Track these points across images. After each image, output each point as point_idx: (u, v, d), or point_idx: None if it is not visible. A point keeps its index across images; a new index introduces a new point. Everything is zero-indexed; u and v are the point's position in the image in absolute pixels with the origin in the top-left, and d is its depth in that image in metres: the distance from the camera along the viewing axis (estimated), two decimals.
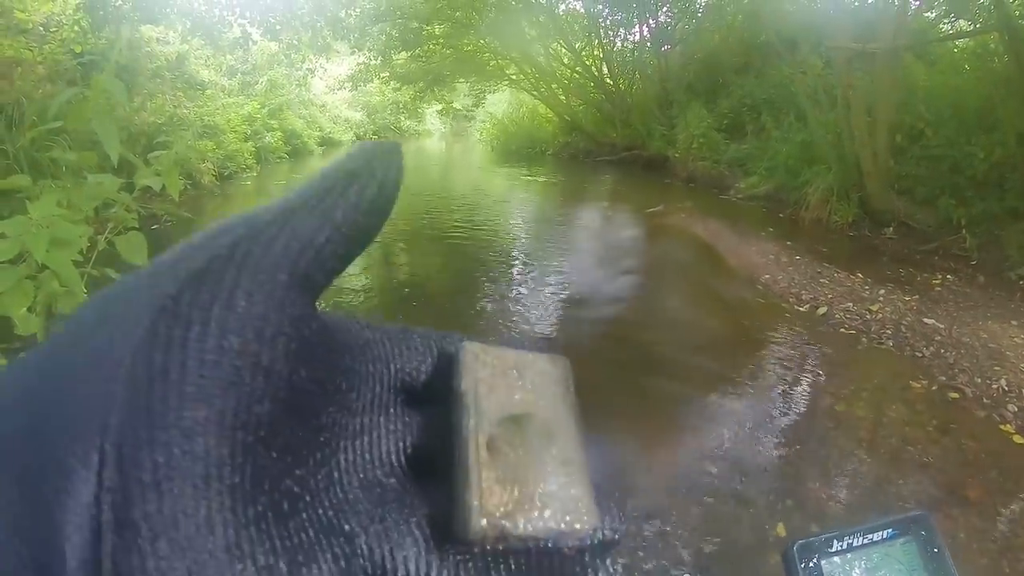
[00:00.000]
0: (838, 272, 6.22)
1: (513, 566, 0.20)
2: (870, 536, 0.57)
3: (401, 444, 0.23)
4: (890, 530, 0.57)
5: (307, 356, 0.19)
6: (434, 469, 0.22)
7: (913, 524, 0.58)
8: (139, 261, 3.19)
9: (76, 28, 9.07)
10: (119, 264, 3.34)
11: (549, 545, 0.20)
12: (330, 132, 21.37)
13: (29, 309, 3.00)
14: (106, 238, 3.36)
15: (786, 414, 3.83)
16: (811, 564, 0.56)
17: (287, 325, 0.18)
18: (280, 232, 0.19)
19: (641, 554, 2.62)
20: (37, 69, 7.78)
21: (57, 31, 9.10)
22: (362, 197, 0.21)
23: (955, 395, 3.91)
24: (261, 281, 0.18)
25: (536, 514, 0.20)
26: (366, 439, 0.22)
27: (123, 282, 0.20)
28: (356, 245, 0.22)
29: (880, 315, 5.16)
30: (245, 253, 0.19)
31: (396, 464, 0.23)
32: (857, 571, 0.56)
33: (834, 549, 0.56)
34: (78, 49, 8.67)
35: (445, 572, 0.20)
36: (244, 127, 14.59)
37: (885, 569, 0.56)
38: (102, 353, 0.17)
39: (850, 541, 0.57)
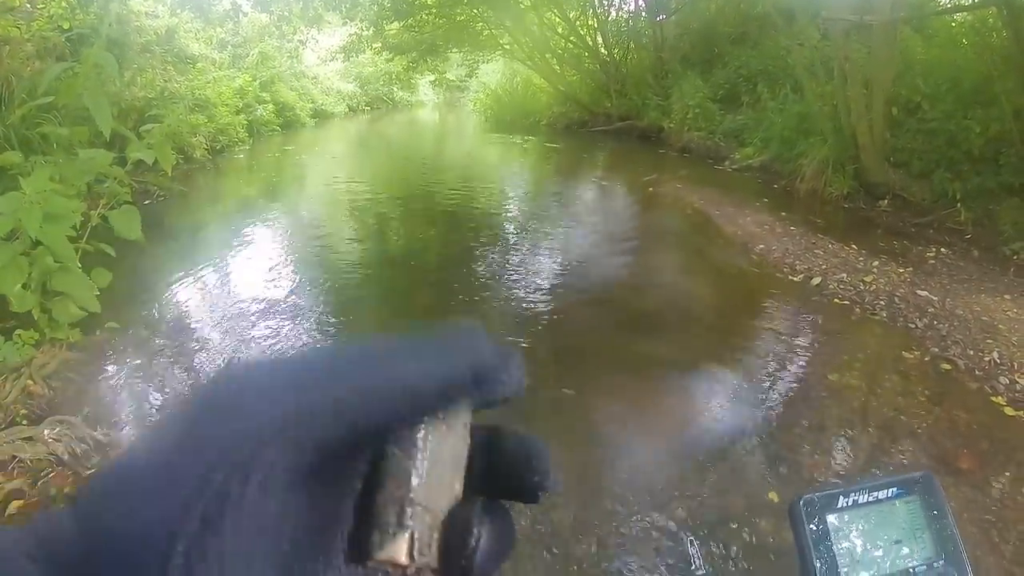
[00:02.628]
0: (832, 243, 6.24)
1: None
2: (875, 494, 0.58)
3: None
4: (894, 488, 0.58)
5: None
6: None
7: (917, 484, 0.58)
8: (132, 235, 3.18)
9: (64, 4, 8.93)
10: (113, 239, 3.33)
11: None
12: (322, 104, 21.11)
13: (24, 286, 3.00)
14: (99, 213, 3.35)
15: (779, 382, 3.85)
16: (816, 519, 0.56)
17: (301, 511, 0.22)
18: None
19: (636, 516, 2.65)
20: (25, 46, 7.66)
21: (44, 7, 8.95)
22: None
23: (947, 367, 3.94)
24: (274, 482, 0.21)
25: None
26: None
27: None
28: None
29: (874, 286, 5.18)
30: (255, 457, 0.21)
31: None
32: (862, 527, 0.57)
33: (839, 505, 0.57)
34: (66, 25, 8.53)
35: None
36: (236, 100, 14.42)
37: (889, 526, 0.57)
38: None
39: (855, 498, 0.57)
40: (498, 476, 0.27)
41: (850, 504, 0.57)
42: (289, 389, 0.22)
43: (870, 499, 0.57)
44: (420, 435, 0.25)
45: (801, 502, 0.57)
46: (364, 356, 0.24)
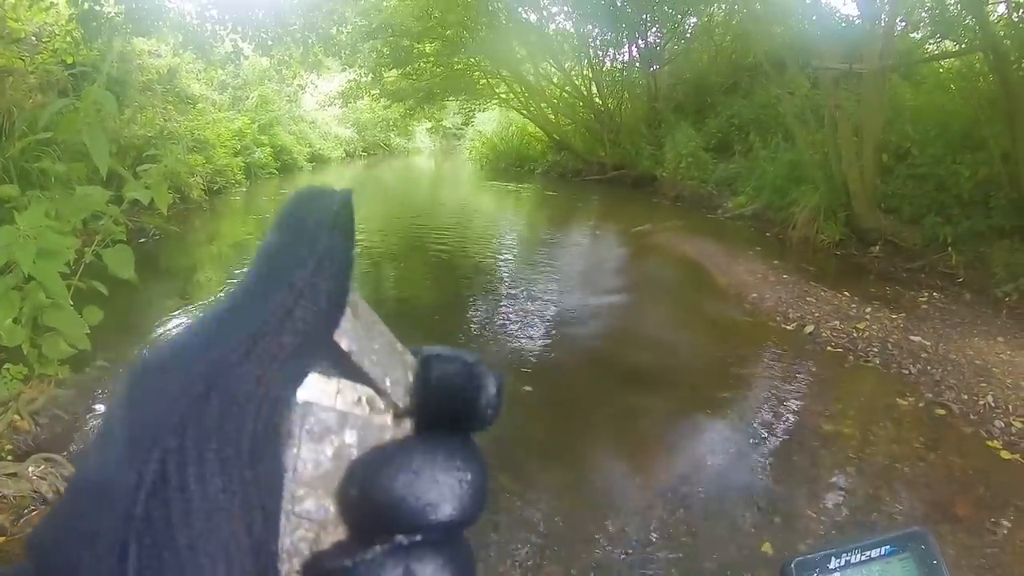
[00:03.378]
0: (825, 290, 6.26)
1: None
2: (868, 553, 0.56)
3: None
4: (888, 547, 0.57)
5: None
6: None
7: (911, 540, 0.57)
8: (126, 274, 3.17)
9: (68, 39, 9.05)
10: (106, 277, 3.32)
11: None
12: (320, 148, 21.32)
13: (14, 320, 2.98)
14: (93, 250, 3.34)
15: (773, 432, 3.83)
16: None
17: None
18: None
19: (627, 568, 2.61)
20: (28, 79, 7.74)
21: (49, 41, 9.07)
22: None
23: (942, 412, 3.93)
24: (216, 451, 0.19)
25: None
26: None
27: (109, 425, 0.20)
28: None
29: (867, 333, 5.19)
30: (195, 437, 0.19)
31: None
32: None
33: (832, 566, 0.56)
34: (70, 60, 8.64)
35: None
36: (234, 142, 14.55)
37: None
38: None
39: (848, 558, 0.56)
40: (433, 408, 0.24)
41: (843, 565, 0.56)
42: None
43: (863, 558, 0.56)
44: (284, 428, 0.21)
45: (793, 565, 0.56)
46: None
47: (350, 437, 0.22)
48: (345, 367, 0.22)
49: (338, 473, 0.21)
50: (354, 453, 0.22)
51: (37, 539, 0.20)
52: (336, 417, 0.22)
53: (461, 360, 0.24)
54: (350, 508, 0.21)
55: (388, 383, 0.23)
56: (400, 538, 0.21)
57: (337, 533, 0.21)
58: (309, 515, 0.21)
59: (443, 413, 0.24)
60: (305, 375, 0.21)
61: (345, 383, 0.22)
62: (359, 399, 0.22)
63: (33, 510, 2.79)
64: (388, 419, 0.23)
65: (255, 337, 0.20)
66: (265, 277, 0.21)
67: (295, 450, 0.21)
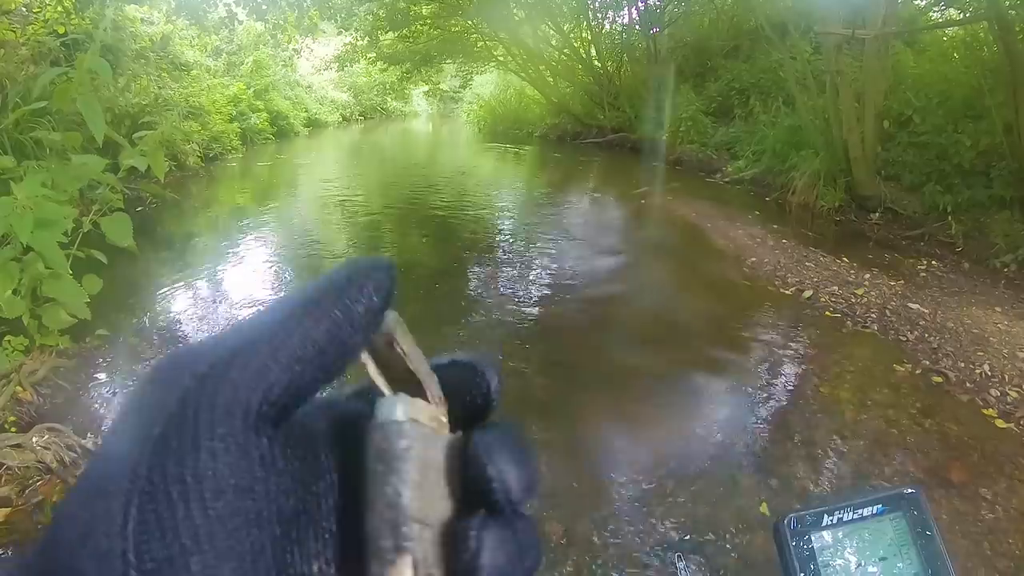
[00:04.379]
0: (824, 256, 6.26)
1: None
2: (860, 511, 0.57)
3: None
4: (880, 505, 0.58)
5: (275, 479, 0.22)
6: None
7: (903, 500, 0.58)
8: (124, 242, 3.16)
9: (60, 9, 8.92)
10: (105, 246, 3.31)
11: None
12: (316, 113, 21.18)
13: (14, 292, 2.98)
14: (91, 219, 3.33)
15: (770, 395, 3.86)
16: (802, 539, 0.56)
17: (256, 469, 0.21)
18: (230, 372, 0.21)
19: (624, 527, 2.65)
20: (20, 50, 7.65)
21: (40, 11, 8.95)
22: (324, 329, 0.23)
23: (939, 379, 3.95)
24: (221, 435, 0.20)
25: None
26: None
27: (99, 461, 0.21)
28: (322, 377, 0.23)
29: (865, 299, 5.20)
30: (195, 408, 0.20)
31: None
32: (847, 546, 0.57)
33: (824, 524, 0.57)
34: (62, 30, 8.52)
35: None
36: (230, 108, 14.44)
37: (875, 545, 0.57)
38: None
39: (840, 516, 0.57)
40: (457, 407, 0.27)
41: (835, 522, 0.56)
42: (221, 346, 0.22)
43: (855, 516, 0.57)
44: (402, 444, 0.23)
45: (786, 521, 0.56)
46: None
47: (437, 448, 0.24)
48: (413, 389, 0.25)
49: (440, 479, 0.24)
50: (441, 461, 0.24)
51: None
52: (428, 432, 0.24)
53: (473, 364, 0.28)
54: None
55: (438, 398, 0.26)
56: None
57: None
58: (426, 519, 0.23)
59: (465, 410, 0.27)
60: (316, 388, 0.23)
61: (423, 404, 0.25)
62: (436, 416, 0.26)
63: (38, 480, 2.81)
64: (447, 431, 0.26)
65: (240, 350, 0.21)
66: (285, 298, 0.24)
67: (406, 464, 0.23)
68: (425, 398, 0.26)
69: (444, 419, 0.26)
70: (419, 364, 0.26)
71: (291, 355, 0.22)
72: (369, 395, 0.27)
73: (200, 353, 0.21)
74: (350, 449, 0.25)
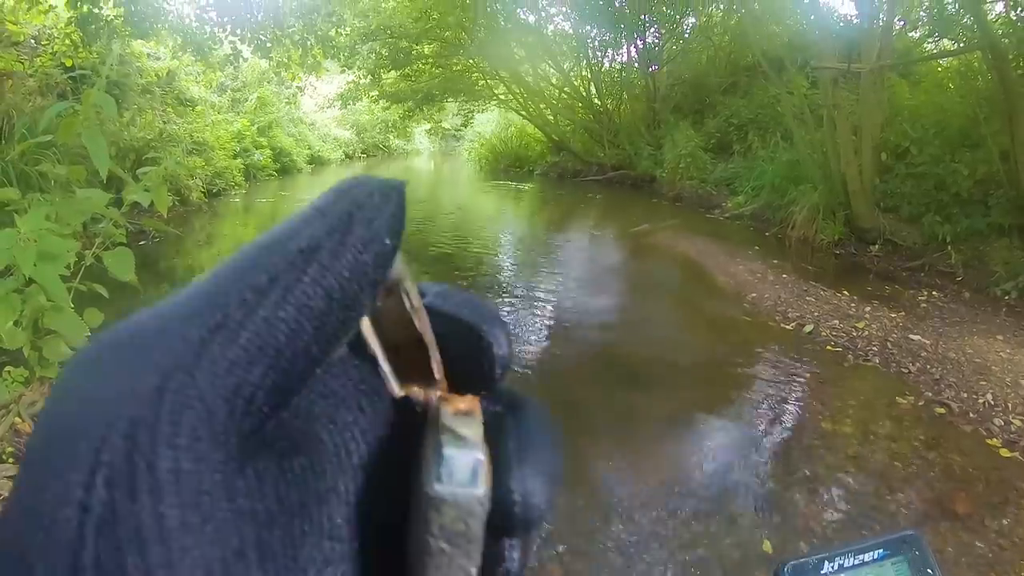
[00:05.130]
0: (824, 290, 6.26)
1: None
2: (861, 556, 0.57)
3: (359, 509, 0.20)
4: (881, 550, 0.57)
5: (259, 476, 0.17)
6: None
7: (904, 544, 0.58)
8: (127, 276, 3.17)
9: (68, 42, 9.07)
10: (106, 279, 3.32)
11: None
12: (319, 150, 21.31)
13: (15, 323, 2.99)
14: (94, 253, 3.35)
15: (773, 431, 3.83)
16: None
17: (230, 469, 0.16)
18: (197, 377, 0.16)
19: (628, 566, 2.61)
20: (28, 82, 7.76)
21: (49, 44, 9.09)
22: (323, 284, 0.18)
23: (941, 410, 3.93)
24: (195, 434, 0.15)
25: None
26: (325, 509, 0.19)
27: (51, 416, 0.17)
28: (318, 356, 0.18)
29: (866, 332, 5.19)
30: (174, 399, 0.15)
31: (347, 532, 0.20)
32: None
33: (825, 571, 0.56)
34: (69, 63, 8.66)
35: None
36: (233, 144, 14.54)
37: None
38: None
39: (841, 562, 0.56)
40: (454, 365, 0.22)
41: (836, 568, 0.56)
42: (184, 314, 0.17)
43: (857, 562, 0.56)
44: (477, 528, 0.19)
45: (786, 568, 0.56)
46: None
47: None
48: (409, 352, 0.21)
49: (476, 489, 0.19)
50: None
51: None
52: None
53: (474, 324, 0.22)
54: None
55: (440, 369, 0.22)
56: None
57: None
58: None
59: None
60: (322, 361, 0.18)
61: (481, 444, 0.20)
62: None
63: None
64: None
65: (233, 311, 0.17)
66: (265, 245, 0.18)
67: (478, 545, 0.19)
68: (428, 367, 0.21)
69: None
70: (426, 326, 0.21)
71: (277, 337, 0.17)
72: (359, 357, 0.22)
73: (161, 336, 0.16)
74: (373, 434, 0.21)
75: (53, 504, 0.14)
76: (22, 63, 8.16)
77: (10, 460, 3.07)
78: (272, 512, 0.17)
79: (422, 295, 0.22)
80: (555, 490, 0.21)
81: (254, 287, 0.17)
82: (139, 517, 0.14)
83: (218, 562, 0.15)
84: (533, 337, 5.39)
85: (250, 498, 0.16)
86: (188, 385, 0.15)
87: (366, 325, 0.20)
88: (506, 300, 6.37)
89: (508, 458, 0.20)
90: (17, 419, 3.34)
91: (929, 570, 0.57)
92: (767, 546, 2.75)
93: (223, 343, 0.16)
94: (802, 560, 0.56)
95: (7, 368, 3.43)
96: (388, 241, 0.19)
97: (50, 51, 8.94)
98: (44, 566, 0.14)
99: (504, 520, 0.20)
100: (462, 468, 0.19)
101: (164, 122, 11.19)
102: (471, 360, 0.22)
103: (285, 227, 0.18)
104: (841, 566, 0.56)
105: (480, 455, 0.19)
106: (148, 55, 12.65)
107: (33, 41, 9.05)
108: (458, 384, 0.22)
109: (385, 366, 0.21)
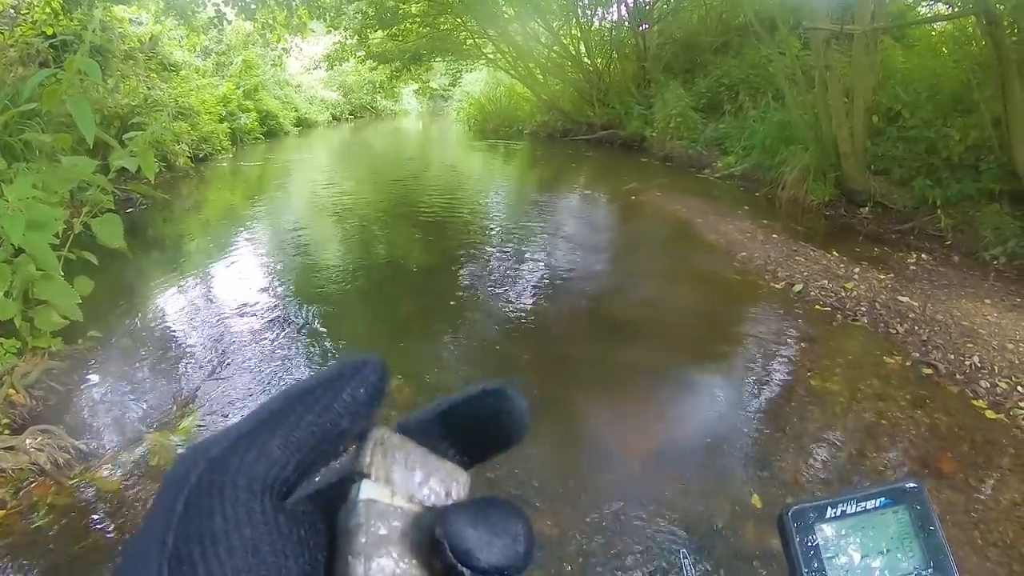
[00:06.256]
0: (814, 250, 6.29)
1: None
2: (863, 504, 0.57)
3: None
4: (883, 499, 0.58)
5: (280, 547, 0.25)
6: None
7: (906, 494, 0.58)
8: (115, 244, 3.16)
9: (48, 10, 8.89)
10: (96, 247, 3.31)
11: None
12: (306, 112, 21.11)
13: (6, 293, 2.98)
14: (82, 221, 3.33)
15: (762, 388, 3.88)
16: (805, 530, 0.56)
17: (261, 531, 0.24)
18: (235, 455, 0.25)
19: (620, 520, 2.66)
20: (8, 52, 7.62)
21: (28, 13, 8.91)
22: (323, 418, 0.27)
23: (928, 371, 3.98)
24: (231, 504, 0.24)
25: None
26: None
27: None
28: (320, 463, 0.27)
29: (855, 292, 5.23)
30: (208, 484, 0.24)
31: None
32: (851, 539, 0.57)
33: (828, 516, 0.57)
34: (50, 31, 8.50)
35: None
36: (219, 108, 14.39)
37: (878, 538, 0.57)
38: None
39: (844, 508, 0.57)
40: (478, 435, 0.30)
41: (839, 515, 0.56)
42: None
43: (859, 509, 0.57)
44: (353, 522, 0.26)
45: (790, 513, 0.56)
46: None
47: (401, 524, 0.26)
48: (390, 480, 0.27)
49: (406, 552, 0.25)
50: (408, 535, 0.26)
51: None
52: (391, 510, 0.26)
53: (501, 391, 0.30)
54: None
55: (424, 486, 0.28)
56: None
57: None
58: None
59: (485, 441, 0.30)
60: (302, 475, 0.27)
61: (386, 488, 0.27)
62: (406, 496, 0.27)
63: (32, 482, 2.81)
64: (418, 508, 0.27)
65: (244, 435, 0.26)
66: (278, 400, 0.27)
67: (363, 538, 0.25)
68: (425, 481, 0.28)
69: (429, 496, 0.28)
70: (412, 464, 0.28)
71: (284, 439, 0.25)
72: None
73: (213, 441, 0.25)
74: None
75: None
76: (2, 33, 8.00)
77: (5, 432, 3.08)
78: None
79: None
80: (515, 556, 0.26)
81: (271, 410, 0.27)
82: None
83: None
84: (525, 294, 5.41)
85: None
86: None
87: (364, 454, 0.28)
88: (498, 260, 6.38)
89: (453, 527, 0.26)
90: (11, 390, 3.34)
91: (929, 523, 0.58)
92: (756, 500, 2.81)
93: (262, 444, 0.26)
94: (805, 505, 0.57)
95: None
96: (361, 390, 0.28)
97: (30, 20, 8.76)
98: None
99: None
100: (352, 488, 0.27)
101: (148, 88, 11.03)
102: (498, 427, 0.30)
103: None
104: (844, 512, 0.57)
105: (364, 485, 0.27)
106: (130, 20, 12.42)
107: (12, 11, 8.86)
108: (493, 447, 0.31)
109: (361, 464, 0.28)
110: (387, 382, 0.29)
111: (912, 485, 0.59)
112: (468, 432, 0.30)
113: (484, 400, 0.30)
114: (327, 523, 0.27)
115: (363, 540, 0.25)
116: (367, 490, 0.26)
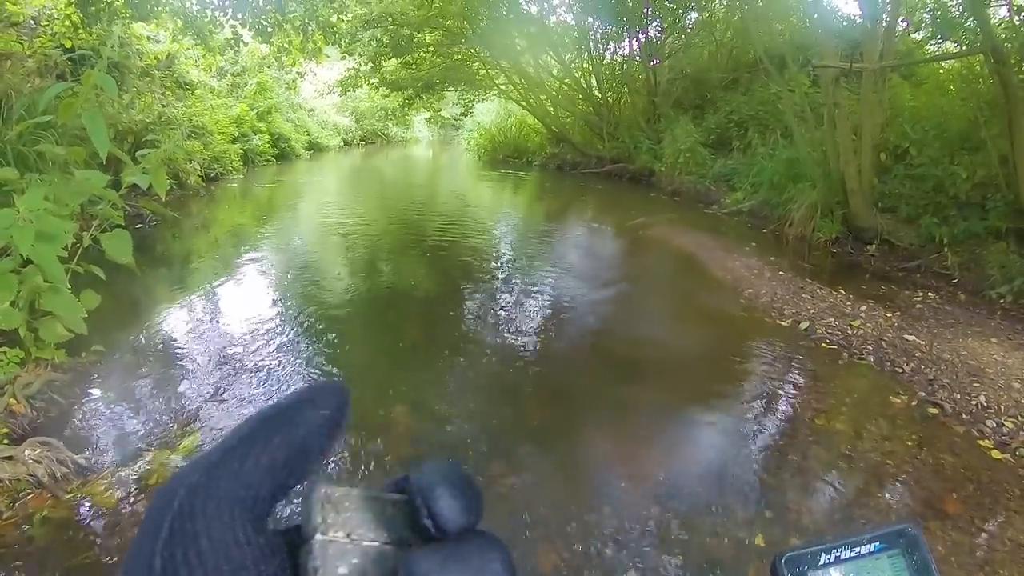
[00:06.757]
0: (820, 288, 6.28)
1: None
2: (857, 549, 0.56)
3: None
4: (879, 543, 0.57)
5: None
6: None
7: (901, 538, 0.57)
8: (123, 259, 3.17)
9: (67, 23, 9.03)
10: (104, 261, 3.32)
11: None
12: (318, 136, 21.29)
13: (12, 303, 2.98)
14: (91, 235, 3.34)
15: (767, 427, 3.85)
16: None
17: (243, 548, 0.26)
18: (212, 480, 0.27)
19: (623, 558, 2.62)
20: (27, 63, 7.72)
21: (48, 25, 9.06)
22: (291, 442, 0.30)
23: (934, 410, 3.95)
24: (213, 524, 0.26)
25: None
26: None
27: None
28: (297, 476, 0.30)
29: (861, 330, 5.21)
30: (190, 509, 0.26)
31: None
32: None
33: (821, 562, 0.56)
34: (69, 44, 8.62)
35: None
36: (232, 129, 14.53)
37: None
38: None
39: (837, 554, 0.56)
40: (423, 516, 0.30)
41: (833, 560, 0.55)
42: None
43: (853, 554, 0.56)
44: (312, 564, 0.27)
45: (783, 560, 0.55)
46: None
47: (359, 559, 0.28)
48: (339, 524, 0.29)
49: None
50: (365, 572, 0.28)
51: None
52: (349, 548, 0.28)
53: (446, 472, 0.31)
54: None
55: (378, 524, 0.29)
56: None
57: None
58: None
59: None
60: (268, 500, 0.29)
61: (343, 536, 0.29)
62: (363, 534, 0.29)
63: (29, 494, 2.79)
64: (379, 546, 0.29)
65: (219, 463, 0.28)
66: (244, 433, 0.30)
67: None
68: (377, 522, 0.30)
69: (383, 533, 0.29)
70: (363, 507, 0.30)
71: (255, 461, 0.28)
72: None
73: (191, 469, 0.28)
74: None
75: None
76: (21, 44, 8.12)
77: (4, 441, 3.07)
78: None
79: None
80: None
81: (240, 436, 0.30)
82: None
83: None
84: (530, 328, 5.40)
85: None
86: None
87: (316, 500, 0.30)
88: (504, 292, 6.37)
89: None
90: (12, 400, 3.33)
91: (926, 567, 0.57)
92: (760, 540, 2.77)
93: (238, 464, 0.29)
94: (798, 552, 0.56)
95: (2, 349, 3.43)
96: (321, 412, 0.31)
97: (49, 32, 8.90)
98: None
99: None
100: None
101: (163, 105, 11.15)
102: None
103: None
104: (837, 558, 0.56)
105: (320, 529, 0.28)
106: (148, 38, 12.60)
107: (32, 22, 9.01)
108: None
109: (316, 511, 0.30)
110: (348, 405, 0.32)
111: (908, 529, 0.58)
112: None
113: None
114: (293, 560, 0.29)
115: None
116: (318, 531, 0.28)
